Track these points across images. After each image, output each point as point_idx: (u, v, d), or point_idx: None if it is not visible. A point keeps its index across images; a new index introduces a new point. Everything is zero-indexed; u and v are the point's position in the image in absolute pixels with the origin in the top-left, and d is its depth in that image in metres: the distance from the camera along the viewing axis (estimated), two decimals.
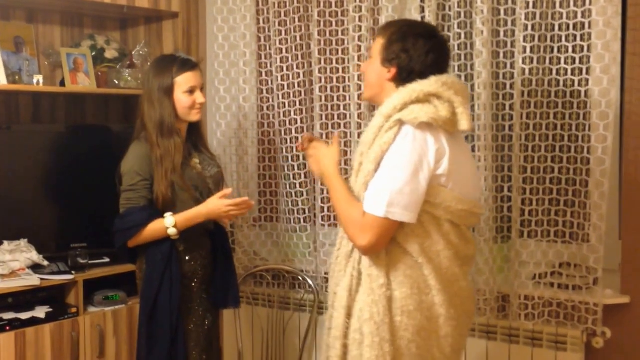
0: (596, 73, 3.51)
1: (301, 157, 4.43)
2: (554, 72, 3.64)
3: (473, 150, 3.81)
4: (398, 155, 2.73)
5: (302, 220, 4.48)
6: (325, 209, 4.34)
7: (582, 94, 3.58)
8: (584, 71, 3.57)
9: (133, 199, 3.55)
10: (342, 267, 2.97)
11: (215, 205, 3.58)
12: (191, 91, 3.61)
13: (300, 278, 4.47)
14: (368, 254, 2.83)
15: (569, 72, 3.60)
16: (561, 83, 3.63)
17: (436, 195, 2.78)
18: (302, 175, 4.45)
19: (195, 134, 3.80)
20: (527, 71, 3.63)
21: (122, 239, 3.59)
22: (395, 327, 2.81)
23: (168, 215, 3.54)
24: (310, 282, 4.40)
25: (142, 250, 3.63)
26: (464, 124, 2.78)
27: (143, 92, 3.72)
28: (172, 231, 3.53)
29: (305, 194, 4.46)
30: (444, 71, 2.90)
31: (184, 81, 3.59)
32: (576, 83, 3.59)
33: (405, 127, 2.73)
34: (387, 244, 2.81)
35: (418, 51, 2.82)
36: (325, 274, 4.36)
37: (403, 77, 2.84)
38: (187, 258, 3.65)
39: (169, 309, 3.57)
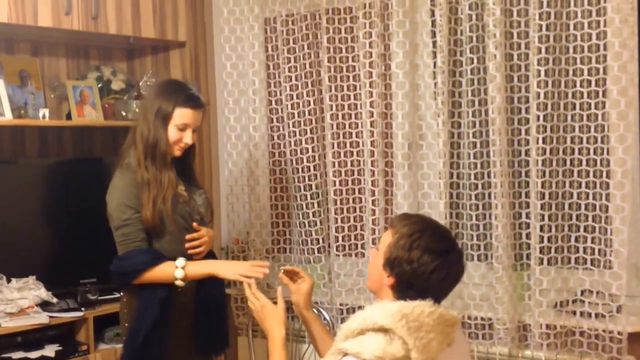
0: (613, 95, 3.48)
1: (314, 186, 4.42)
2: (570, 95, 3.62)
3: (489, 177, 3.81)
4: None
5: (315, 251, 4.45)
6: (340, 239, 4.31)
7: (599, 117, 3.56)
8: (601, 93, 3.54)
9: (130, 234, 3.46)
10: None
11: (237, 262, 3.58)
12: (183, 128, 3.52)
13: (315, 310, 4.44)
14: None
15: (585, 95, 3.57)
16: (577, 106, 3.60)
17: None
18: (315, 205, 4.42)
19: (183, 164, 3.69)
20: (542, 95, 3.60)
21: (121, 282, 3.56)
22: None
23: (180, 266, 3.44)
24: (325, 314, 4.37)
25: (137, 287, 3.54)
26: None
27: (140, 106, 3.68)
28: (179, 283, 3.46)
29: (318, 223, 4.43)
30: (448, 291, 2.70)
31: (180, 115, 3.50)
32: (593, 106, 3.56)
33: (346, 359, 2.51)
34: None
35: (422, 267, 2.58)
36: (341, 305, 4.33)
37: (401, 289, 2.63)
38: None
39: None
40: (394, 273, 2.63)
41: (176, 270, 3.43)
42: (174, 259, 3.46)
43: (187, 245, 3.57)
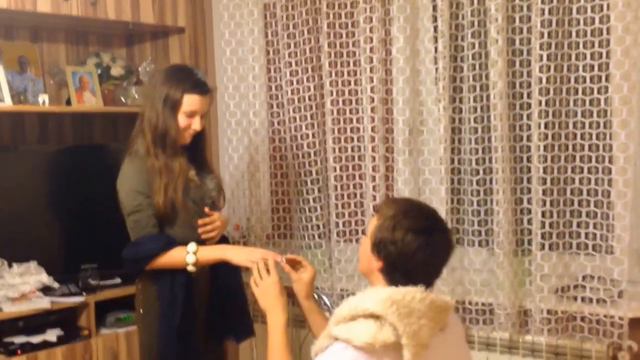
0: (616, 80, 3.43)
1: (314, 172, 4.38)
2: (572, 80, 3.57)
3: (490, 162, 3.77)
4: None
5: (316, 237, 4.42)
6: (340, 224, 4.28)
7: (602, 102, 3.51)
8: (604, 78, 3.49)
9: (141, 220, 3.40)
10: None
11: (249, 248, 3.51)
12: (191, 115, 3.45)
13: (316, 296, 4.39)
14: None
15: (588, 79, 3.53)
16: (580, 91, 3.56)
17: None
18: (316, 190, 4.39)
19: (193, 149, 3.61)
20: (544, 80, 3.55)
21: (133, 268, 3.48)
22: None
23: (191, 251, 3.38)
24: (325, 299, 4.34)
25: (152, 274, 3.49)
26: (406, 355, 2.43)
27: (146, 94, 3.61)
28: (191, 268, 3.39)
29: (319, 209, 4.40)
30: (436, 272, 2.67)
31: (188, 102, 3.43)
32: (595, 91, 3.52)
33: (336, 344, 2.50)
34: None
35: (406, 247, 2.55)
36: (341, 290, 4.30)
37: (389, 272, 2.60)
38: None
39: (186, 340, 3.47)
40: (381, 256, 2.61)
41: (187, 255, 3.36)
42: (186, 244, 3.41)
43: (199, 230, 3.52)
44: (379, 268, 2.62)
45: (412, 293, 2.51)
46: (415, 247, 2.55)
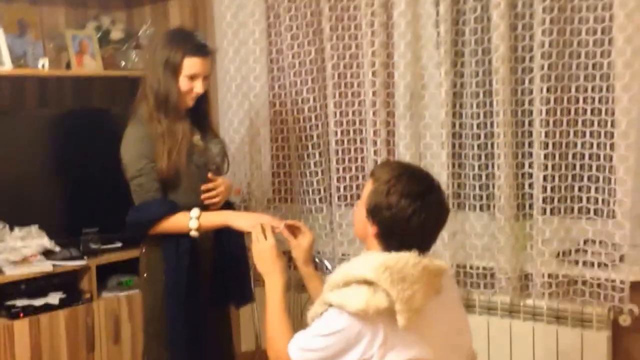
0: (619, 44, 3.38)
1: (315, 137, 4.34)
2: (575, 43, 3.53)
3: (491, 127, 3.75)
4: (319, 329, 2.54)
5: (317, 201, 4.39)
6: (341, 189, 4.25)
7: (605, 65, 3.47)
8: (607, 42, 3.45)
9: (145, 184, 3.38)
10: None
11: (252, 214, 3.48)
12: (193, 77, 3.41)
13: (317, 260, 4.40)
14: None
15: (591, 43, 3.49)
16: (582, 55, 3.52)
17: None
18: (317, 155, 4.36)
19: (197, 113, 3.57)
20: (546, 43, 3.51)
21: (136, 232, 3.47)
22: None
23: (194, 216, 3.36)
24: (326, 263, 4.33)
25: (157, 238, 3.47)
26: (400, 320, 2.44)
27: (146, 58, 3.58)
28: (194, 234, 3.36)
29: (320, 173, 4.36)
30: (432, 236, 2.66)
31: (189, 65, 3.39)
32: (598, 54, 3.48)
33: (331, 310, 2.52)
34: None
35: (400, 212, 2.53)
36: (343, 255, 4.28)
37: (385, 238, 2.59)
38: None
39: (191, 305, 3.44)
40: (375, 221, 2.60)
41: (190, 220, 3.34)
42: (189, 209, 3.38)
43: (203, 196, 3.49)
44: (375, 233, 2.61)
45: (405, 258, 2.50)
46: (410, 212, 2.53)
